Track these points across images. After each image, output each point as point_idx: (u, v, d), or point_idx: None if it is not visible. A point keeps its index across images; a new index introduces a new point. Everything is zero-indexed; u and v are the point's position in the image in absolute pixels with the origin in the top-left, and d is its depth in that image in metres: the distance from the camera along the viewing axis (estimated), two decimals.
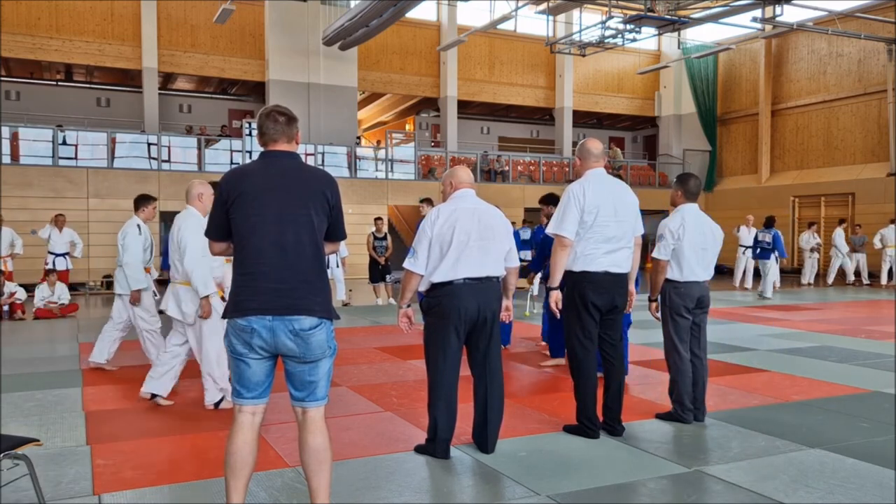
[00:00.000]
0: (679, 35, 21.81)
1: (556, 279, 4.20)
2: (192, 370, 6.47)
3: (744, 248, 15.40)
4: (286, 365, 2.83)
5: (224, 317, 2.82)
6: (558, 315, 4.29)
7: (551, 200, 6.71)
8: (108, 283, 15.99)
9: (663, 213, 19.42)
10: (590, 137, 4.59)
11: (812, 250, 17.10)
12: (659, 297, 4.68)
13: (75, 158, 16.34)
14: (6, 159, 15.54)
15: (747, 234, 15.26)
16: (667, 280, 4.60)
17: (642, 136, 28.38)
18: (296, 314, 2.73)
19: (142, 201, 6.41)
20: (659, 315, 4.71)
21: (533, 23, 22.05)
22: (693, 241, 4.54)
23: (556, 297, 4.23)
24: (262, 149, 2.93)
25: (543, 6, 17.67)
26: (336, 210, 2.91)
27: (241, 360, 2.78)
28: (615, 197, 4.21)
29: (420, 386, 5.53)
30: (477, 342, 3.93)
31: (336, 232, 2.95)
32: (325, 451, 2.81)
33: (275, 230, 2.76)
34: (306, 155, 17.94)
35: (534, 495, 3.34)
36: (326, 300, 2.83)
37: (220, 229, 2.88)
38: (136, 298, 6.32)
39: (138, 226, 6.35)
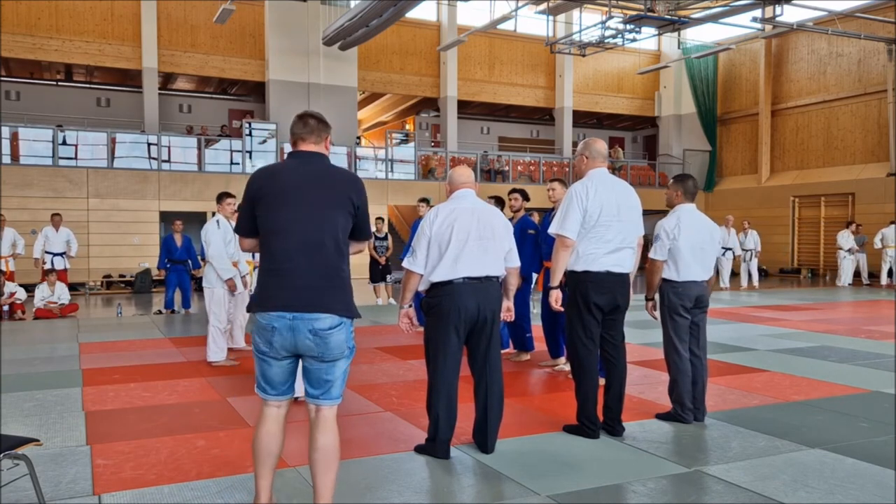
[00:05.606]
0: (679, 35, 21.78)
1: (557, 278, 4.20)
2: (191, 370, 6.48)
3: (724, 250, 15.44)
4: (304, 361, 2.91)
5: (248, 311, 2.96)
6: (558, 312, 4.29)
7: (518, 192, 6.94)
8: (109, 283, 15.99)
9: (663, 214, 19.33)
10: (593, 137, 4.60)
11: (850, 251, 16.94)
12: (657, 297, 4.68)
13: (75, 158, 16.32)
14: (6, 159, 15.53)
15: (727, 236, 15.44)
16: (665, 280, 4.60)
17: (642, 136, 28.35)
18: (317, 312, 2.80)
19: (221, 197, 6.87)
20: (657, 314, 4.71)
21: (533, 23, 22.02)
22: (690, 241, 4.54)
23: (555, 296, 4.23)
24: (290, 149, 3.03)
25: (543, 6, 17.64)
26: (361, 211, 2.99)
27: (263, 359, 2.91)
28: (618, 197, 4.20)
29: (420, 386, 5.53)
30: (477, 342, 3.93)
31: (361, 232, 3.04)
32: (333, 451, 2.88)
33: (300, 229, 2.84)
34: None
35: (534, 495, 3.34)
36: (348, 299, 2.91)
37: (248, 227, 2.97)
38: (232, 286, 6.65)
39: (217, 221, 6.70)
